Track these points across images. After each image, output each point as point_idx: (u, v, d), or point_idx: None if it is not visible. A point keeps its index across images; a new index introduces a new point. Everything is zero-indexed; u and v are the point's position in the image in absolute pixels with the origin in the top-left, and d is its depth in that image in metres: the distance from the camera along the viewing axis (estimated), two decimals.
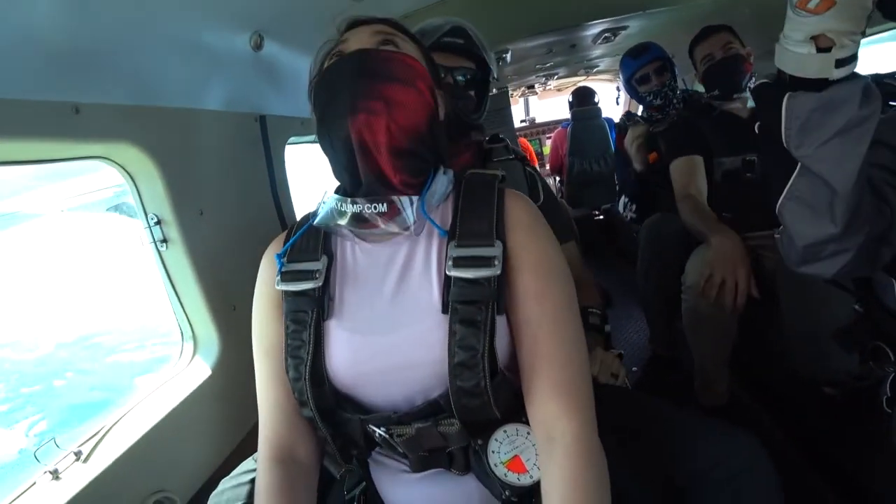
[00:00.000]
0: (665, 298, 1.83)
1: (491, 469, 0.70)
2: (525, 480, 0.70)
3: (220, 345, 1.21)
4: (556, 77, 4.60)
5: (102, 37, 0.88)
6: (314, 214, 0.76)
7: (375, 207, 0.69)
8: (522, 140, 5.05)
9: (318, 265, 0.74)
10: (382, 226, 0.70)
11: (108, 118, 0.96)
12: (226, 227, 1.27)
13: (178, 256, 1.14)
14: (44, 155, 0.91)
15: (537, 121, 6.04)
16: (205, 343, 1.22)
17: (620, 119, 2.73)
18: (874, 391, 1.02)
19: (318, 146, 0.75)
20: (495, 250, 0.69)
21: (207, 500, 0.86)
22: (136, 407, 1.06)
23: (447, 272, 0.69)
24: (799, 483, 1.32)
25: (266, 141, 1.44)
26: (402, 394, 0.72)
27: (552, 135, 4.50)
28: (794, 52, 0.74)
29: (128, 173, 1.08)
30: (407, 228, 0.71)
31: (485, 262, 0.68)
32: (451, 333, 0.67)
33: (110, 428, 0.99)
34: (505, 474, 0.70)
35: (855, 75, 0.74)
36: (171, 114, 1.12)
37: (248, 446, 1.18)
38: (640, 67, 2.16)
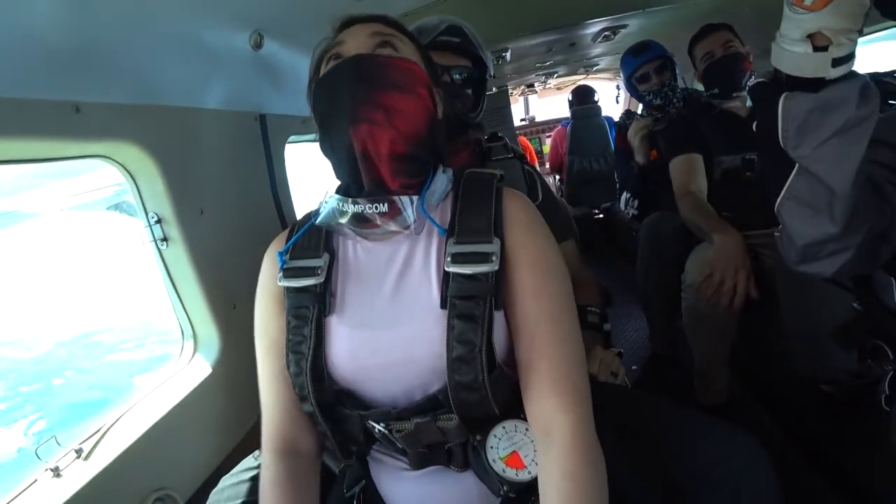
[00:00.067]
0: (665, 297, 1.83)
1: (489, 465, 0.71)
2: (523, 476, 0.70)
3: (220, 343, 1.22)
4: (555, 76, 4.59)
5: (103, 36, 0.88)
6: (316, 213, 0.77)
7: (376, 207, 0.70)
8: (522, 139, 5.05)
9: (320, 262, 0.75)
10: (383, 225, 0.71)
11: (108, 117, 0.96)
12: (226, 225, 1.27)
13: (178, 255, 1.14)
14: (45, 154, 0.91)
15: (537, 119, 6.03)
16: (205, 341, 1.23)
17: (620, 118, 2.73)
18: (873, 389, 1.02)
19: (317, 145, 0.76)
20: (493, 246, 0.70)
21: (208, 497, 0.86)
22: (137, 405, 1.07)
23: (446, 268, 0.70)
24: (799, 482, 1.32)
25: (266, 140, 1.45)
26: (402, 389, 0.73)
27: (552, 133, 4.49)
28: (791, 51, 0.73)
29: (128, 172, 1.08)
30: (407, 227, 0.72)
31: (483, 258, 0.69)
32: (450, 328, 0.68)
33: (111, 426, 1.00)
34: (503, 470, 0.71)
35: (853, 74, 0.73)
36: (172, 113, 1.12)
37: (248, 444, 1.18)
38: (641, 66, 2.16)
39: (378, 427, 0.72)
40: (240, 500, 0.83)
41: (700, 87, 2.03)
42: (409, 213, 0.71)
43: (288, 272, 0.76)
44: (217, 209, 1.24)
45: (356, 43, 0.75)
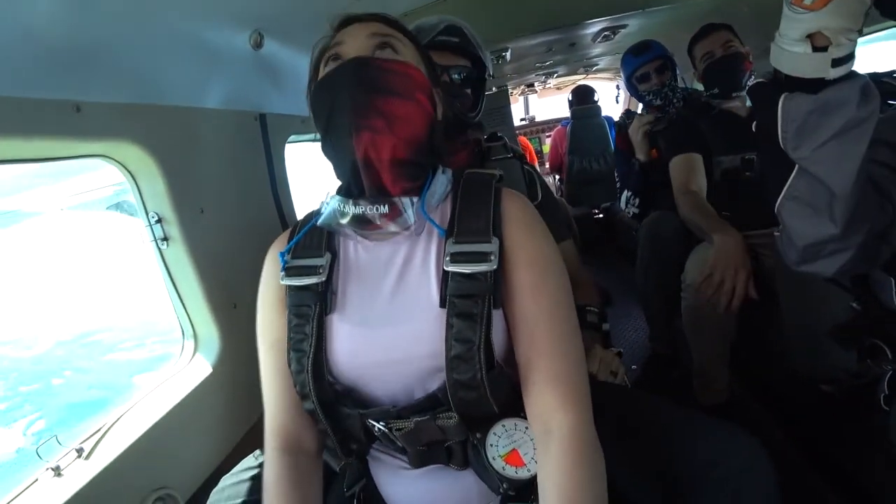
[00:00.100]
0: (665, 297, 1.83)
1: (489, 462, 0.71)
2: (523, 474, 0.71)
3: (220, 342, 1.22)
4: (555, 75, 4.59)
5: (104, 36, 0.88)
6: (318, 213, 0.78)
7: (377, 209, 0.71)
8: (522, 138, 5.05)
9: (322, 261, 0.76)
10: (384, 226, 0.72)
11: (108, 116, 0.96)
12: (226, 225, 1.28)
13: (178, 254, 1.14)
14: (45, 153, 0.91)
15: (537, 119, 6.03)
16: (205, 341, 1.23)
17: (620, 117, 2.73)
18: (872, 389, 1.02)
19: (317, 144, 0.76)
20: (492, 246, 0.71)
21: (209, 497, 0.86)
22: (138, 404, 1.07)
23: (445, 267, 0.70)
24: (798, 482, 1.33)
25: (266, 139, 1.45)
26: (402, 387, 0.73)
27: (552, 133, 4.49)
28: (790, 52, 0.73)
29: (129, 171, 1.08)
30: (407, 228, 0.73)
31: (481, 257, 0.70)
32: (449, 327, 0.68)
33: (112, 425, 1.00)
34: (503, 468, 0.71)
35: (853, 74, 0.73)
36: (172, 112, 1.12)
37: (249, 443, 1.19)
38: (641, 65, 2.16)
39: (378, 426, 0.72)
40: (240, 500, 0.83)
41: (700, 87, 2.03)
42: (410, 214, 0.71)
43: (290, 271, 0.76)
44: (217, 209, 1.24)
45: (355, 44, 0.75)
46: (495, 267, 0.70)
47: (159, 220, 1.12)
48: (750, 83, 1.76)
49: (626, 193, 2.24)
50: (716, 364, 1.67)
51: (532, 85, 5.36)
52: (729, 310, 1.46)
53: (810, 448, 1.42)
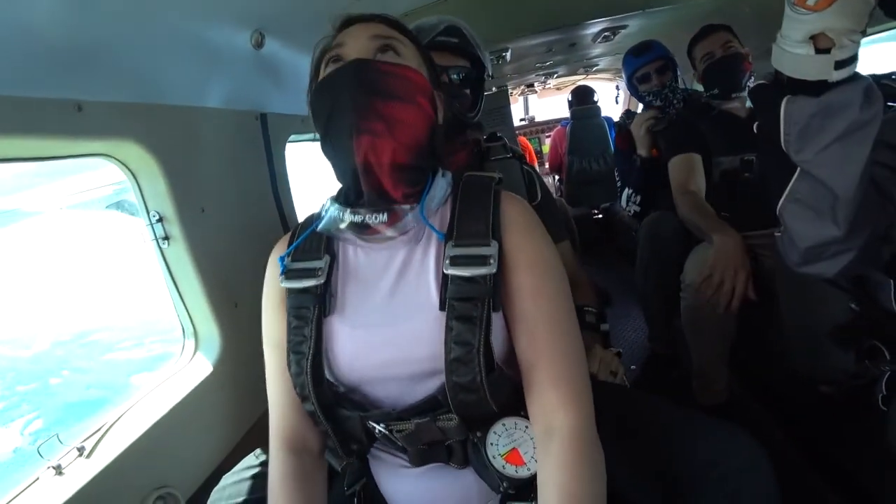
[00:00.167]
0: (664, 297, 1.83)
1: (489, 461, 0.72)
2: (523, 473, 0.71)
3: (221, 342, 1.22)
4: (555, 76, 4.59)
5: (105, 35, 0.88)
6: (318, 217, 0.78)
7: (376, 217, 0.71)
8: (522, 139, 5.05)
9: (321, 263, 0.76)
10: (383, 232, 0.72)
11: (110, 116, 0.96)
12: (227, 224, 1.28)
13: (179, 254, 1.14)
14: (47, 152, 0.91)
15: (537, 119, 6.03)
16: (206, 340, 1.23)
17: (620, 118, 2.73)
18: (870, 390, 1.02)
19: (318, 144, 0.76)
20: (491, 249, 0.71)
21: (210, 495, 0.86)
22: (139, 403, 1.07)
23: (444, 270, 0.70)
24: (798, 482, 1.33)
25: (267, 139, 1.45)
26: (401, 389, 0.73)
27: (551, 133, 4.49)
28: (792, 53, 0.72)
29: (130, 171, 1.08)
30: (406, 233, 0.73)
31: (481, 260, 0.70)
32: (448, 329, 0.68)
33: (112, 424, 1.00)
34: (503, 466, 0.71)
35: (855, 76, 0.72)
36: (173, 111, 1.12)
37: (250, 442, 1.19)
38: (642, 66, 2.15)
39: (379, 427, 0.73)
40: (241, 498, 0.83)
41: (699, 87, 2.03)
42: (409, 219, 0.72)
43: (289, 274, 0.76)
44: (218, 208, 1.24)
45: (357, 45, 0.74)
46: (495, 271, 0.70)
47: (160, 220, 1.12)
48: (750, 84, 1.76)
49: (626, 191, 2.23)
50: (715, 364, 1.67)
51: (532, 85, 5.36)
52: (728, 310, 1.46)
53: (810, 448, 1.43)
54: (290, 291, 0.76)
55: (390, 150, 0.69)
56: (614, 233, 3.68)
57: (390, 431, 0.72)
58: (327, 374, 0.74)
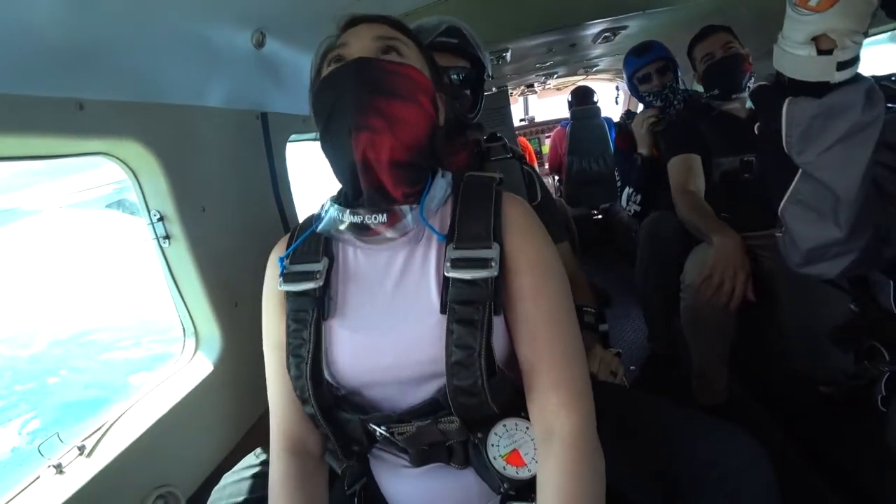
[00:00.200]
0: (664, 297, 1.83)
1: (490, 462, 0.72)
2: (523, 474, 0.71)
3: (221, 341, 1.22)
4: (555, 76, 4.59)
5: (106, 34, 0.88)
6: (317, 218, 0.78)
7: (376, 218, 0.71)
8: (522, 139, 5.05)
9: (319, 266, 0.76)
10: (383, 233, 0.72)
11: (111, 114, 0.96)
12: (228, 223, 1.28)
13: (180, 253, 1.14)
14: (48, 150, 0.91)
15: (536, 120, 6.04)
16: (207, 339, 1.23)
17: (620, 118, 2.73)
18: (870, 390, 1.03)
19: (318, 144, 0.76)
20: (492, 252, 0.70)
21: (210, 494, 0.86)
22: (139, 402, 1.07)
23: (445, 273, 0.70)
24: (798, 482, 1.33)
25: (267, 138, 1.45)
26: (402, 392, 0.73)
27: (551, 134, 4.50)
28: (794, 54, 0.72)
29: (131, 169, 1.08)
30: (406, 234, 0.73)
31: (482, 263, 0.69)
32: (449, 333, 0.68)
33: (113, 423, 1.00)
34: (504, 467, 0.72)
35: (858, 77, 0.72)
36: (174, 111, 1.12)
37: (250, 441, 1.19)
38: (643, 66, 2.16)
39: (379, 430, 0.73)
40: (242, 498, 0.83)
41: (700, 88, 2.03)
42: (409, 220, 0.72)
43: (288, 277, 0.76)
44: (219, 207, 1.24)
45: (360, 45, 0.74)
46: (496, 274, 0.69)
47: (161, 219, 1.12)
48: (750, 85, 1.77)
49: (627, 191, 2.23)
50: (715, 364, 1.67)
51: (532, 85, 5.36)
52: (728, 311, 1.46)
53: (810, 448, 1.43)
54: (288, 294, 0.76)
55: (389, 147, 0.68)
56: (614, 233, 3.68)
57: (391, 434, 0.72)
58: (327, 377, 0.73)
